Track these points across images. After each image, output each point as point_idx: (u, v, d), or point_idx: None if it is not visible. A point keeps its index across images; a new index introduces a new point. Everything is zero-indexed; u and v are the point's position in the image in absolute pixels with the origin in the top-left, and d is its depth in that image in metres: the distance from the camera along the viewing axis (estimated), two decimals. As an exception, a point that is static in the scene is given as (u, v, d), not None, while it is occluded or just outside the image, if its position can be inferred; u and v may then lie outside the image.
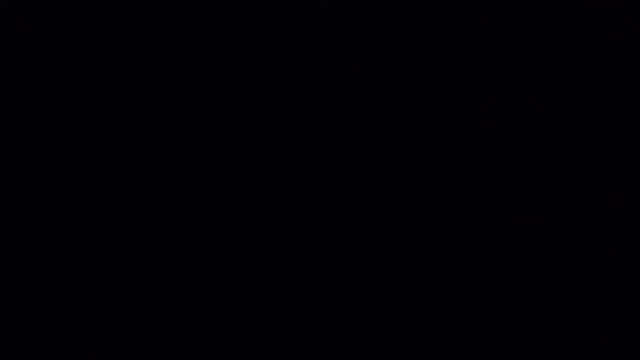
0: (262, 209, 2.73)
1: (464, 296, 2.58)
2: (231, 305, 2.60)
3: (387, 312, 2.57)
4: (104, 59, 2.91)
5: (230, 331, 2.56)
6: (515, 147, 2.77)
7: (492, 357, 2.49)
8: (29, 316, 2.57)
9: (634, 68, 2.81)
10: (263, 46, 2.95)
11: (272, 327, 2.56)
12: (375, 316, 2.57)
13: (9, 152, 2.79)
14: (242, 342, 2.55)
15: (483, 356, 2.49)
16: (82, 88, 2.88)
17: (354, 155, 2.79)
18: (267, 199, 2.75)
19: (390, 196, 2.73)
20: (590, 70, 2.83)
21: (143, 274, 2.63)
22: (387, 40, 2.93)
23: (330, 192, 2.75)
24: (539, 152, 2.75)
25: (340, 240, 2.68)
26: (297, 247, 2.68)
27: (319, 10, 2.92)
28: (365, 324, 2.56)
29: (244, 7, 2.98)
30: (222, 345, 2.54)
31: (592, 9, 2.86)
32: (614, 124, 2.77)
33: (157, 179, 2.77)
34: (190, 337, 2.55)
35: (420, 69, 2.88)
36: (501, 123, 2.80)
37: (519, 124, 2.79)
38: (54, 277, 2.62)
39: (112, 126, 2.83)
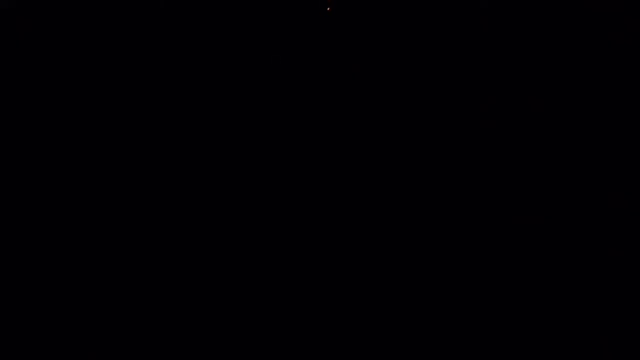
0: (261, 209, 2.74)
1: (464, 296, 2.58)
2: (231, 305, 2.60)
3: (387, 312, 2.57)
4: (104, 59, 2.91)
5: (230, 331, 2.56)
6: (515, 147, 2.77)
7: (492, 357, 2.49)
8: (29, 316, 2.57)
9: (634, 68, 2.81)
10: (263, 46, 2.95)
11: (272, 327, 2.56)
12: (375, 316, 2.57)
13: (9, 151, 2.79)
14: (242, 342, 2.55)
15: (483, 356, 2.49)
16: (82, 88, 2.88)
17: (354, 154, 2.79)
18: (266, 198, 2.75)
19: (390, 196, 2.73)
20: (590, 70, 2.83)
21: (143, 274, 2.64)
22: (387, 40, 2.93)
23: (330, 191, 2.75)
24: (539, 152, 2.75)
25: (340, 240, 2.68)
26: (297, 247, 2.68)
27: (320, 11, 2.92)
28: (365, 324, 2.56)
29: (244, 7, 2.98)
30: (222, 346, 2.54)
31: (592, 9, 2.87)
32: (614, 124, 2.77)
33: (156, 178, 2.77)
34: (190, 337, 2.55)
35: (420, 69, 2.88)
36: (501, 123, 2.80)
37: (519, 124, 2.79)
38: (54, 277, 2.63)
39: (111, 126, 2.83)
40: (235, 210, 2.74)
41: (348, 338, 2.55)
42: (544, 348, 2.49)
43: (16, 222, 2.70)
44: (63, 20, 2.93)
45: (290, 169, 2.79)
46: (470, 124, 2.80)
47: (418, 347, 2.52)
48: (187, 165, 2.79)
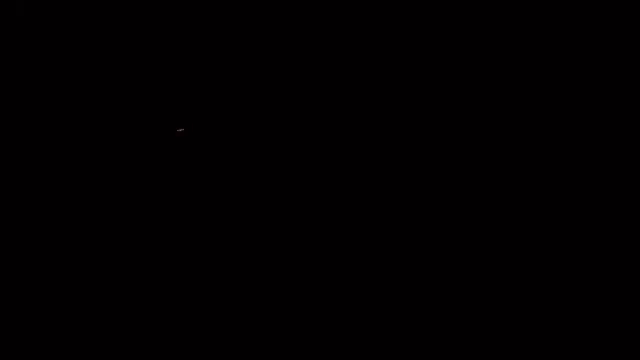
0: (261, 209, 2.74)
1: (464, 296, 2.58)
2: (231, 306, 2.60)
3: (387, 312, 2.57)
4: (104, 59, 2.91)
5: (230, 331, 2.56)
6: (515, 147, 2.77)
7: (492, 357, 2.49)
8: (29, 316, 2.57)
9: (634, 68, 2.81)
10: (262, 46, 2.95)
11: (272, 327, 2.56)
12: (375, 316, 2.57)
13: (9, 152, 2.79)
14: (242, 342, 2.55)
15: (483, 356, 2.49)
16: (82, 88, 2.88)
17: (354, 155, 2.79)
18: (266, 199, 2.75)
19: (390, 196, 2.73)
20: (590, 70, 2.83)
21: (143, 274, 2.64)
22: (387, 40, 2.93)
23: (329, 192, 2.75)
24: (539, 152, 2.75)
25: (340, 240, 2.68)
26: (297, 247, 2.68)
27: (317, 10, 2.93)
28: (365, 324, 2.56)
29: (244, 8, 2.98)
30: (222, 346, 2.55)
31: (592, 9, 2.87)
32: (614, 124, 2.77)
33: (156, 178, 2.77)
34: (190, 337, 2.55)
35: (420, 69, 2.89)
36: (501, 123, 2.80)
37: (519, 124, 2.79)
38: (54, 277, 2.63)
39: (111, 126, 2.83)
40: (234, 209, 2.74)
41: (348, 338, 2.55)
42: (544, 348, 2.50)
43: (16, 222, 2.70)
44: (63, 20, 2.93)
45: (290, 169, 2.79)
46: (470, 124, 2.80)
47: (418, 347, 2.52)
48: (186, 164, 2.79)
